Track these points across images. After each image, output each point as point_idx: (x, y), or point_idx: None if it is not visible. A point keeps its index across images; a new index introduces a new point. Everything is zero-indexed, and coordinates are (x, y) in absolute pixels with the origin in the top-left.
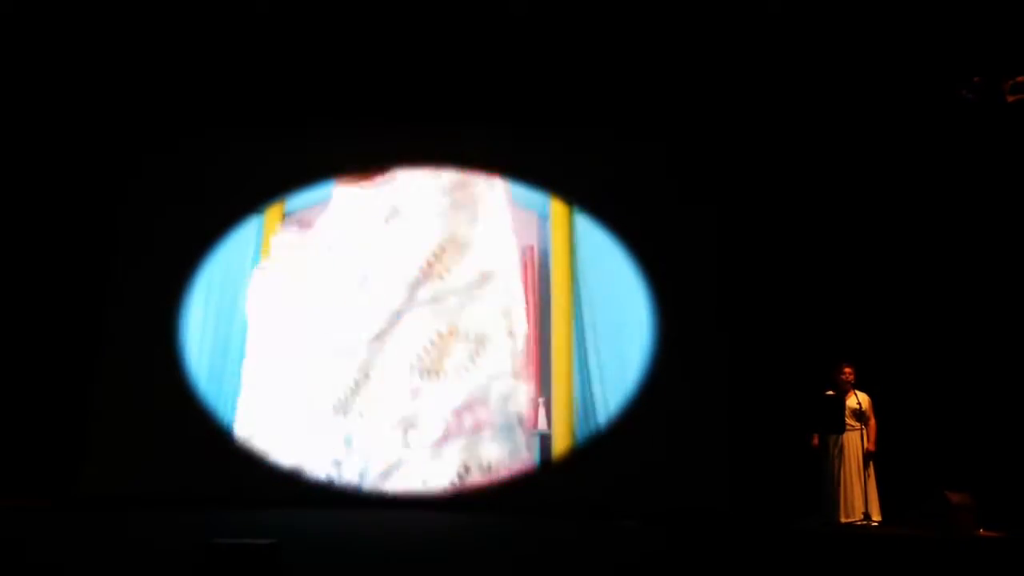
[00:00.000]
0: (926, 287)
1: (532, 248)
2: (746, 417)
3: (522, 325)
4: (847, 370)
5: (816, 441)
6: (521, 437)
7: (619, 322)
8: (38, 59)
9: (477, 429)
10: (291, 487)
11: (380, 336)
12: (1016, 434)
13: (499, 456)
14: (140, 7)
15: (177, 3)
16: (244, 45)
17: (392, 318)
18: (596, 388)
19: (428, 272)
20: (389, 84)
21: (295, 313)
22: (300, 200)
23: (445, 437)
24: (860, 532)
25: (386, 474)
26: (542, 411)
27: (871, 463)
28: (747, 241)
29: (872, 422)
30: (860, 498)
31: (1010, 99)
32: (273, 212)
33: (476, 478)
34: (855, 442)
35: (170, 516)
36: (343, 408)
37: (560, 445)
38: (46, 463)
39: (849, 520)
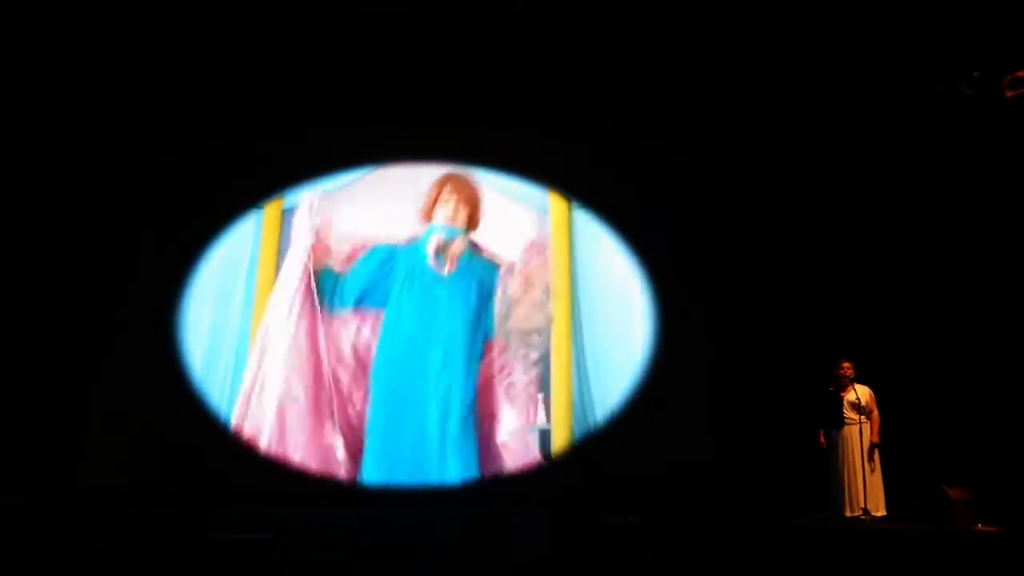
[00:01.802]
0: (926, 283)
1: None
2: (749, 413)
3: None
4: (846, 365)
5: (823, 438)
6: None
7: (619, 317)
8: (38, 52)
9: None
10: (290, 483)
11: None
12: (1015, 429)
13: None
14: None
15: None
16: (244, 40)
17: None
18: (594, 384)
19: None
20: (385, 80)
21: None
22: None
23: None
24: (857, 527)
25: None
26: (541, 407)
27: (876, 455)
28: (749, 238)
29: (876, 414)
30: (862, 492)
31: (1009, 94)
32: (272, 208)
33: None
34: (856, 436)
35: (168, 512)
36: None
37: (559, 441)
38: (44, 459)
39: (853, 514)
